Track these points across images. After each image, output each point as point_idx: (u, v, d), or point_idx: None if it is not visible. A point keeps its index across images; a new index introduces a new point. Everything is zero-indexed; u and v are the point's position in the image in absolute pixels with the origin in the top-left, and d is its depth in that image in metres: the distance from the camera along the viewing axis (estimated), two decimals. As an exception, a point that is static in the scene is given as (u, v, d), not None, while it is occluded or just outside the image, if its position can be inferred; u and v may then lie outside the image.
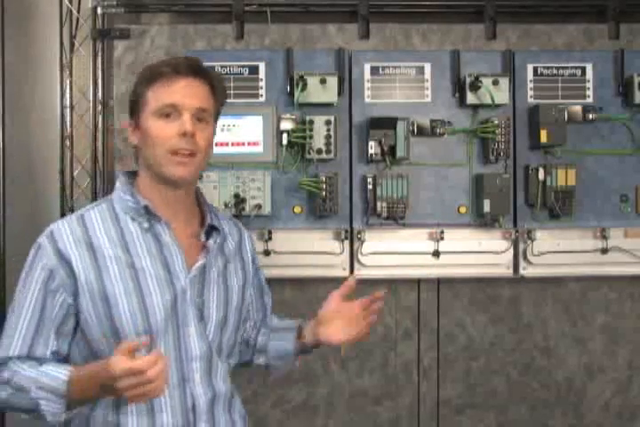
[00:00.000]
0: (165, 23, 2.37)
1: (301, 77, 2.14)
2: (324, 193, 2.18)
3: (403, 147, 2.16)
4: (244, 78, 2.22)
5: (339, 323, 1.57)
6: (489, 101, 2.17)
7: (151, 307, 1.32)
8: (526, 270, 2.26)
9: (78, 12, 2.36)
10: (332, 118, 2.16)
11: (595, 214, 2.26)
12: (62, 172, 2.37)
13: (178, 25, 2.36)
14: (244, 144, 2.21)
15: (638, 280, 2.37)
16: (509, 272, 2.26)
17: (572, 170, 2.19)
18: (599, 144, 2.26)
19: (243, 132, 2.22)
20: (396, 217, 2.20)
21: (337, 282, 2.01)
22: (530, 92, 2.26)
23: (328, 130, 2.16)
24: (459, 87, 2.23)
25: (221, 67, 2.21)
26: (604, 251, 2.25)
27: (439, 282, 2.36)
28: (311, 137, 2.16)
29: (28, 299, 1.32)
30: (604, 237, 2.24)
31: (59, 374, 1.26)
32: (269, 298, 1.64)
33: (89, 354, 1.34)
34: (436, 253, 2.23)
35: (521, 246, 2.25)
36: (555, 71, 2.26)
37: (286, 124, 2.18)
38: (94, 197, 2.36)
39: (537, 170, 2.21)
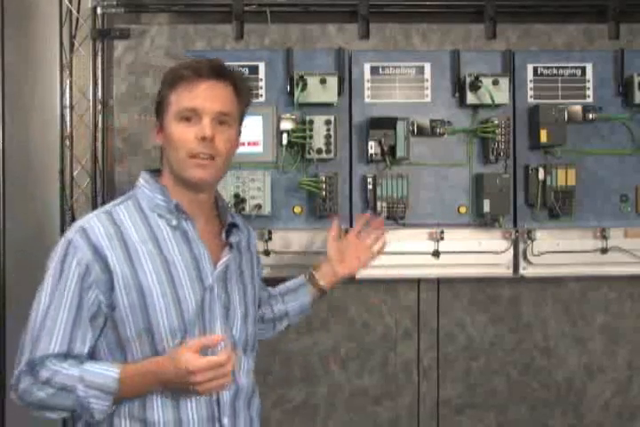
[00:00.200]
0: (165, 23, 2.37)
1: (301, 77, 2.14)
2: (323, 193, 2.18)
3: (403, 147, 2.16)
4: (243, 78, 2.22)
5: (349, 256, 1.80)
6: (489, 101, 2.17)
7: (184, 302, 1.36)
8: (526, 270, 2.26)
9: (78, 12, 2.36)
10: (332, 118, 2.16)
11: (595, 214, 2.26)
12: (62, 172, 2.37)
13: (178, 25, 2.36)
14: (243, 144, 2.20)
15: (638, 280, 2.37)
16: (509, 272, 2.26)
17: (571, 170, 2.19)
18: (599, 144, 2.26)
19: (243, 132, 2.21)
20: (396, 217, 2.20)
21: (337, 282, 2.01)
22: (530, 92, 2.26)
23: (328, 130, 2.16)
24: (459, 87, 2.23)
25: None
26: (604, 251, 2.25)
27: (439, 282, 2.37)
28: (311, 137, 2.16)
29: (64, 295, 1.31)
30: (604, 237, 2.24)
31: (109, 373, 1.28)
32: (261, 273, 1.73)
33: (117, 350, 1.35)
34: (436, 253, 2.23)
35: (521, 246, 2.25)
36: (555, 71, 2.26)
37: (286, 124, 2.18)
38: (94, 197, 2.36)
39: (537, 170, 2.21)
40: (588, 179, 2.25)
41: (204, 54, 2.23)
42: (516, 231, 2.24)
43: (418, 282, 2.36)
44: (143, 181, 1.45)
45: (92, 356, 1.35)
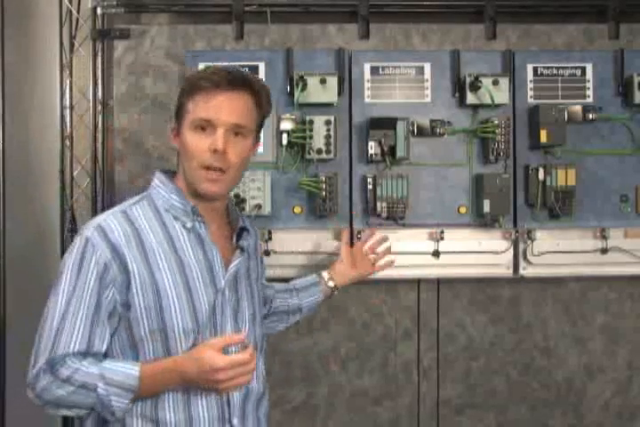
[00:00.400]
0: (165, 23, 2.37)
1: (301, 77, 2.14)
2: (323, 193, 2.18)
3: (403, 147, 2.16)
4: (243, 78, 2.22)
5: (359, 261, 1.99)
6: (489, 101, 2.17)
7: (198, 304, 1.37)
8: (526, 270, 2.26)
9: (78, 12, 2.36)
10: (332, 118, 2.16)
11: (595, 214, 2.26)
12: (62, 172, 2.37)
13: (178, 25, 2.36)
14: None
15: (638, 280, 2.37)
16: (509, 272, 2.26)
17: (571, 170, 2.19)
18: (599, 144, 2.26)
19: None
20: (395, 217, 2.20)
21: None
22: (530, 92, 2.26)
23: (328, 130, 2.16)
24: (459, 87, 2.23)
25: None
26: (604, 251, 2.25)
27: (439, 282, 2.36)
28: (311, 137, 2.16)
29: (83, 294, 1.32)
30: (604, 237, 2.24)
31: (130, 370, 1.29)
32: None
33: (129, 350, 1.36)
34: (436, 253, 2.23)
35: (521, 246, 2.25)
36: (555, 71, 2.26)
37: (286, 125, 2.18)
38: (94, 197, 2.36)
39: (537, 170, 2.21)
40: (588, 179, 2.25)
41: (204, 54, 2.24)
42: (516, 231, 2.24)
43: (418, 282, 2.36)
44: (158, 181, 1.46)
45: (105, 355, 1.36)
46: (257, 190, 2.16)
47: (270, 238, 2.19)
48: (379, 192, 2.18)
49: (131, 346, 1.36)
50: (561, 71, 2.26)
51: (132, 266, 1.34)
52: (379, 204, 2.19)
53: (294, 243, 2.21)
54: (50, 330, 1.32)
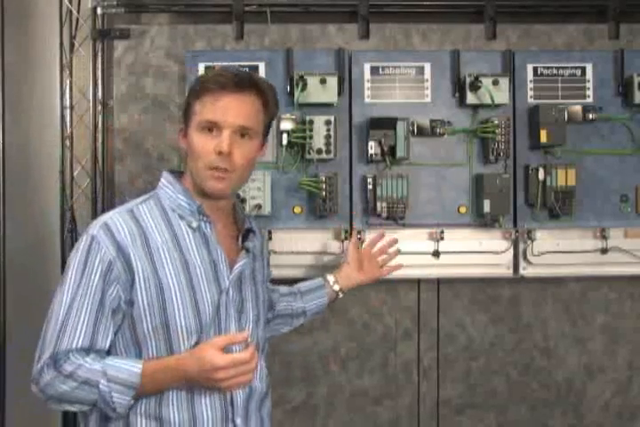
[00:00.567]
0: (165, 23, 2.37)
1: (301, 77, 2.14)
2: (323, 193, 2.18)
3: (403, 147, 2.16)
4: (243, 78, 2.22)
5: (366, 265, 1.96)
6: (489, 101, 2.17)
7: (201, 303, 1.38)
8: (526, 270, 2.27)
9: (78, 12, 2.36)
10: (332, 118, 2.16)
11: (595, 214, 2.26)
12: (62, 172, 2.37)
13: (178, 25, 2.36)
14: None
15: (638, 280, 2.37)
16: (509, 272, 2.26)
17: (571, 170, 2.19)
18: (599, 144, 2.26)
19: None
20: (395, 217, 2.20)
21: (337, 282, 2.02)
22: (530, 92, 2.26)
23: (328, 130, 2.16)
24: (459, 87, 2.23)
25: (220, 67, 2.21)
26: (604, 251, 2.25)
27: (439, 282, 2.36)
28: (311, 137, 2.16)
29: (88, 291, 1.33)
30: (604, 237, 2.24)
31: (132, 368, 1.31)
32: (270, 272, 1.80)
33: (132, 348, 1.37)
34: (436, 253, 2.23)
35: (521, 246, 2.26)
36: (555, 71, 2.26)
37: (286, 125, 2.18)
38: (94, 197, 2.36)
39: (537, 170, 2.21)
40: (588, 179, 2.25)
41: (204, 54, 2.24)
42: (516, 231, 2.24)
43: (418, 282, 2.36)
44: (165, 181, 1.47)
45: (108, 353, 1.38)
46: (257, 190, 2.16)
47: (270, 238, 2.19)
48: (379, 192, 2.18)
49: (134, 343, 1.37)
50: (561, 71, 2.26)
51: (136, 264, 1.35)
52: (379, 204, 2.19)
53: (294, 243, 2.21)
54: (54, 326, 1.33)
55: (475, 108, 2.24)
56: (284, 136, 2.17)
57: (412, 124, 2.22)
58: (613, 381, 2.40)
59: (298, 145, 2.19)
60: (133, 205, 1.44)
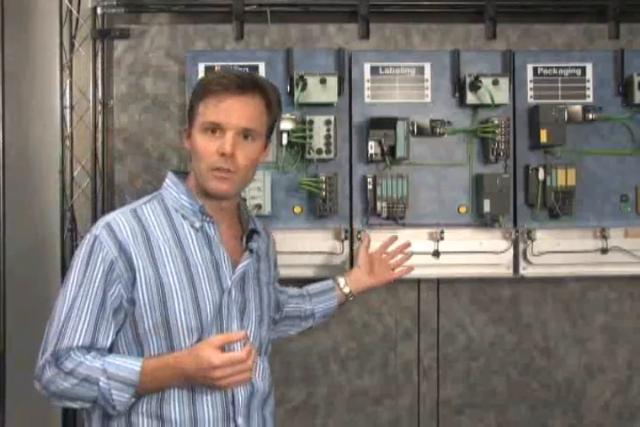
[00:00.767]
0: (165, 23, 2.37)
1: (301, 77, 2.14)
2: (323, 193, 2.18)
3: (403, 147, 2.16)
4: (243, 78, 2.22)
5: (377, 268, 1.95)
6: (489, 101, 2.17)
7: (202, 303, 1.39)
8: (526, 270, 2.26)
9: (78, 12, 2.36)
10: (332, 118, 2.16)
11: (595, 214, 2.26)
12: (62, 172, 2.37)
13: (178, 25, 2.36)
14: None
15: (638, 280, 2.37)
16: (509, 272, 2.26)
17: (571, 170, 2.19)
18: (599, 144, 2.26)
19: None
20: (395, 217, 2.20)
21: (337, 282, 2.02)
22: (530, 92, 2.26)
23: (328, 130, 2.16)
24: (459, 87, 2.23)
25: (221, 67, 2.21)
26: (604, 251, 2.25)
27: (439, 282, 2.36)
28: (311, 137, 2.16)
29: (89, 290, 1.35)
30: (604, 237, 2.24)
31: (131, 366, 1.32)
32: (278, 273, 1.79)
33: (134, 346, 1.39)
34: (436, 253, 2.23)
35: (521, 246, 2.25)
36: (555, 71, 2.26)
37: (286, 124, 2.18)
38: (94, 197, 2.36)
39: (537, 170, 2.21)
40: (588, 179, 2.25)
41: (204, 54, 2.24)
42: (516, 231, 2.24)
43: (418, 282, 2.36)
44: (170, 181, 1.48)
45: (110, 351, 1.39)
46: (257, 190, 2.16)
47: (270, 238, 2.19)
48: (379, 192, 2.18)
49: (136, 342, 1.38)
50: (561, 71, 2.26)
51: (137, 263, 1.36)
52: (379, 204, 2.19)
53: (294, 243, 2.21)
54: (56, 324, 1.35)
55: (475, 108, 2.24)
56: (284, 136, 2.17)
57: (412, 124, 2.22)
58: (613, 381, 2.40)
59: (298, 145, 2.19)
60: (137, 205, 1.45)
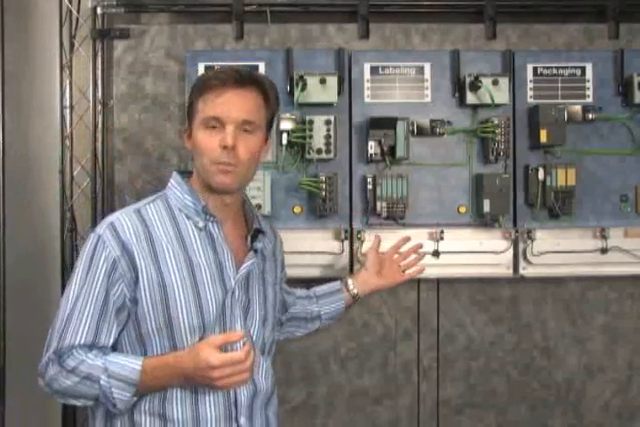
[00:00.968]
0: (165, 23, 2.37)
1: (301, 77, 2.14)
2: (323, 193, 2.18)
3: (402, 147, 2.16)
4: (243, 78, 2.22)
5: (386, 270, 1.91)
6: (489, 101, 2.17)
7: (205, 302, 1.39)
8: (526, 270, 2.26)
9: (78, 12, 2.36)
10: (332, 118, 2.16)
11: (594, 214, 2.26)
12: (62, 172, 2.37)
13: (178, 25, 2.36)
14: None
15: (638, 280, 2.37)
16: (509, 272, 2.26)
17: (571, 170, 2.19)
18: (599, 144, 2.26)
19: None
20: (395, 217, 2.20)
21: (337, 282, 2.01)
22: (530, 92, 2.26)
23: (328, 130, 2.16)
24: (458, 87, 2.23)
25: (221, 67, 2.21)
26: (604, 251, 2.25)
27: (439, 282, 2.36)
28: (311, 137, 2.16)
29: (92, 289, 1.36)
30: (604, 237, 2.24)
31: (132, 364, 1.32)
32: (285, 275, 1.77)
33: (137, 345, 1.39)
34: (436, 253, 2.23)
35: (521, 246, 2.25)
36: (554, 71, 2.26)
37: (286, 124, 2.18)
38: (94, 197, 2.36)
39: (537, 170, 2.21)
40: (588, 179, 2.25)
41: (204, 54, 2.24)
42: (516, 231, 2.24)
43: (418, 282, 2.36)
44: (174, 181, 1.49)
45: (114, 350, 1.40)
46: (257, 190, 2.16)
47: (270, 238, 2.19)
48: (378, 192, 2.18)
49: (139, 342, 1.39)
50: (561, 71, 2.27)
51: (139, 263, 1.36)
52: (378, 204, 2.19)
53: (294, 243, 2.20)
54: (60, 322, 1.36)
55: (475, 107, 2.24)
56: (284, 136, 2.17)
57: (412, 124, 2.22)
58: (613, 381, 2.40)
59: (298, 145, 2.19)
60: (141, 205, 1.46)
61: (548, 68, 2.26)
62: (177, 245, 1.40)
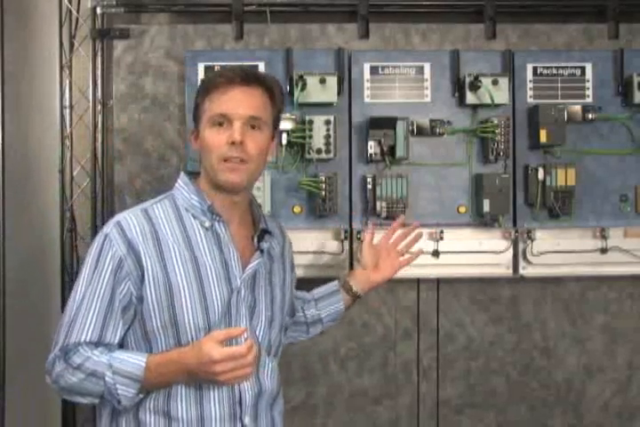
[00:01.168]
0: (165, 23, 2.37)
1: (301, 77, 2.15)
2: (323, 193, 2.18)
3: (402, 147, 2.16)
4: (243, 78, 2.22)
5: (382, 262, 1.83)
6: (489, 101, 2.17)
7: (210, 301, 1.40)
8: (526, 270, 2.27)
9: (78, 11, 2.36)
10: (332, 118, 2.16)
11: (594, 214, 2.26)
12: (62, 172, 2.37)
13: (177, 25, 2.36)
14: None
15: (638, 280, 2.37)
16: (509, 272, 2.26)
17: (571, 170, 2.19)
18: (599, 144, 2.26)
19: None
20: (395, 217, 2.20)
21: (336, 282, 2.01)
22: (529, 92, 2.26)
23: (328, 130, 2.16)
24: (458, 87, 2.23)
25: (221, 67, 2.21)
26: (604, 251, 2.25)
27: (439, 282, 2.37)
28: (311, 137, 2.16)
29: (98, 287, 1.37)
30: (604, 237, 2.24)
31: (137, 361, 1.33)
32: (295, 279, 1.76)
33: (143, 343, 1.41)
34: (436, 253, 2.23)
35: (520, 246, 2.26)
36: (554, 71, 2.26)
37: (286, 124, 2.18)
38: (94, 197, 2.36)
39: (536, 170, 2.21)
40: (588, 179, 2.25)
41: (203, 54, 2.24)
42: (516, 231, 2.24)
43: (417, 282, 2.36)
44: (181, 182, 1.50)
45: (120, 348, 1.41)
46: (257, 190, 2.15)
47: (270, 238, 2.19)
48: (378, 192, 2.18)
49: (144, 340, 1.40)
50: (561, 71, 2.27)
51: (145, 261, 1.37)
52: (378, 203, 2.19)
53: (294, 243, 2.19)
54: (67, 320, 1.38)
55: (474, 107, 2.24)
56: (284, 136, 2.17)
57: (412, 124, 2.22)
58: (613, 381, 2.40)
59: (298, 145, 2.19)
60: (148, 204, 1.47)
61: (547, 68, 2.26)
62: (183, 245, 1.41)
